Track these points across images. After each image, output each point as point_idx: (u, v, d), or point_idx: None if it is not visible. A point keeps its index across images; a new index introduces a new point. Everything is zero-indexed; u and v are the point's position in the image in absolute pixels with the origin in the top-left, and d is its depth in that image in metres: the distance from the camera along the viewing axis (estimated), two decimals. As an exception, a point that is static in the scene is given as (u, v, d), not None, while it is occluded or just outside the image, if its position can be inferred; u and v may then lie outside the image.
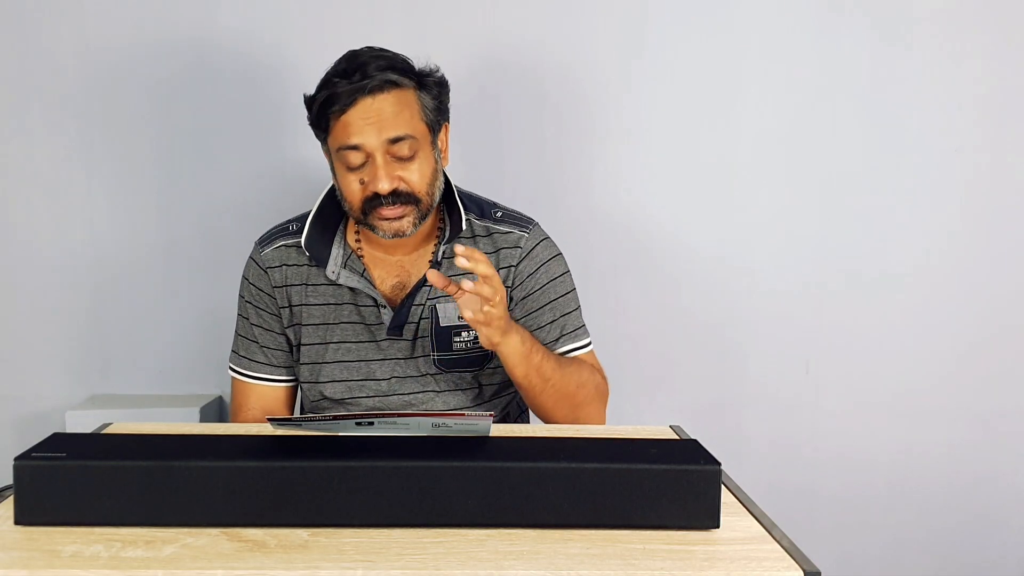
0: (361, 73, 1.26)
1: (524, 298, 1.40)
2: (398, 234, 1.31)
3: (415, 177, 1.30)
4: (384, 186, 1.27)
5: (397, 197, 1.29)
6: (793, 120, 1.90)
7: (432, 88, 1.33)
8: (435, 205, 1.35)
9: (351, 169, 1.29)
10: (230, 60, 1.82)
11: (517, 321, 1.39)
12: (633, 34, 1.87)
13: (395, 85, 1.27)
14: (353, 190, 1.30)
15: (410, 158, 1.29)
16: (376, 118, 1.26)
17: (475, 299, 1.18)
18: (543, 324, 1.40)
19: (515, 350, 1.27)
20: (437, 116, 1.34)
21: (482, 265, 1.14)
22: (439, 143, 1.36)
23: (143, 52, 1.82)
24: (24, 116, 1.83)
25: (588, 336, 1.45)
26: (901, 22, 1.88)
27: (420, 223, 1.33)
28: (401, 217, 1.30)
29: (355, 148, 1.27)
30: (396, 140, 1.27)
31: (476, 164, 1.79)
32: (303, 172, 1.84)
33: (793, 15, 1.87)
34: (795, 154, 1.91)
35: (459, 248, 1.14)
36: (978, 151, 1.92)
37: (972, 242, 1.94)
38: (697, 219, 1.92)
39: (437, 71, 1.35)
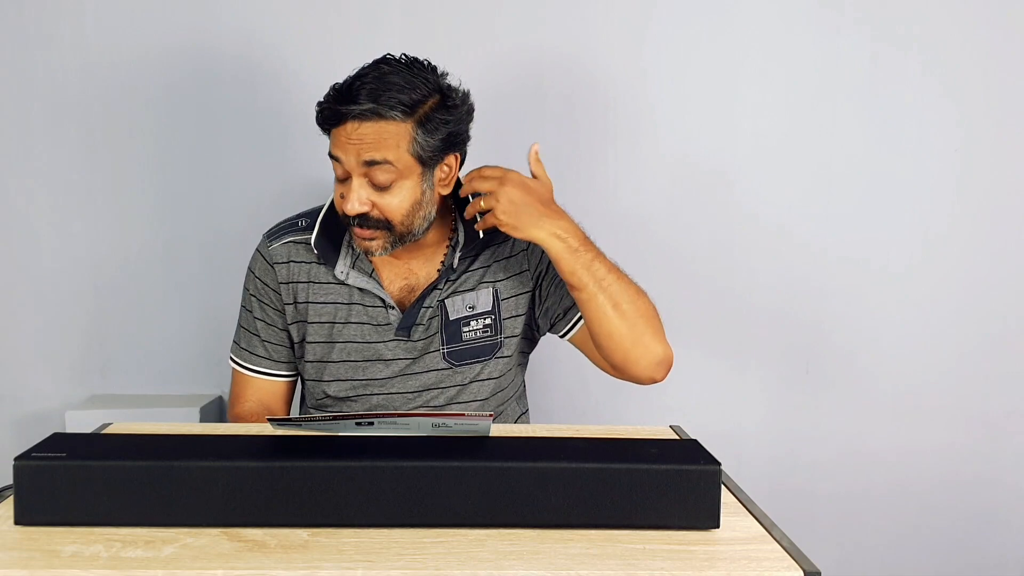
0: (359, 95, 1.24)
1: (545, 273, 1.41)
2: (367, 252, 1.32)
3: (392, 204, 1.28)
4: (351, 207, 1.27)
5: (366, 221, 1.28)
6: (793, 120, 1.90)
7: (436, 126, 1.27)
8: (418, 232, 1.33)
9: (339, 180, 1.31)
10: (230, 64, 1.82)
11: (545, 301, 1.41)
12: (633, 35, 1.87)
13: (380, 117, 1.24)
14: (338, 200, 1.32)
15: (386, 187, 1.27)
16: (358, 140, 1.24)
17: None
18: (567, 291, 1.38)
19: (553, 241, 1.28)
20: (435, 152, 1.28)
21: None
22: (437, 173, 1.32)
23: (143, 55, 1.82)
24: (25, 118, 1.83)
25: None
26: (901, 22, 1.88)
27: (396, 246, 1.32)
28: (371, 239, 1.30)
29: (337, 160, 1.28)
30: (372, 164, 1.25)
31: (476, 165, 1.79)
32: (303, 174, 1.84)
33: (793, 15, 1.87)
34: (795, 154, 1.91)
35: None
36: (977, 150, 1.92)
37: (972, 241, 1.94)
38: (697, 219, 1.92)
39: (462, 99, 1.31)
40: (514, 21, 1.85)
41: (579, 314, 1.39)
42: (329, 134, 1.30)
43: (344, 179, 1.29)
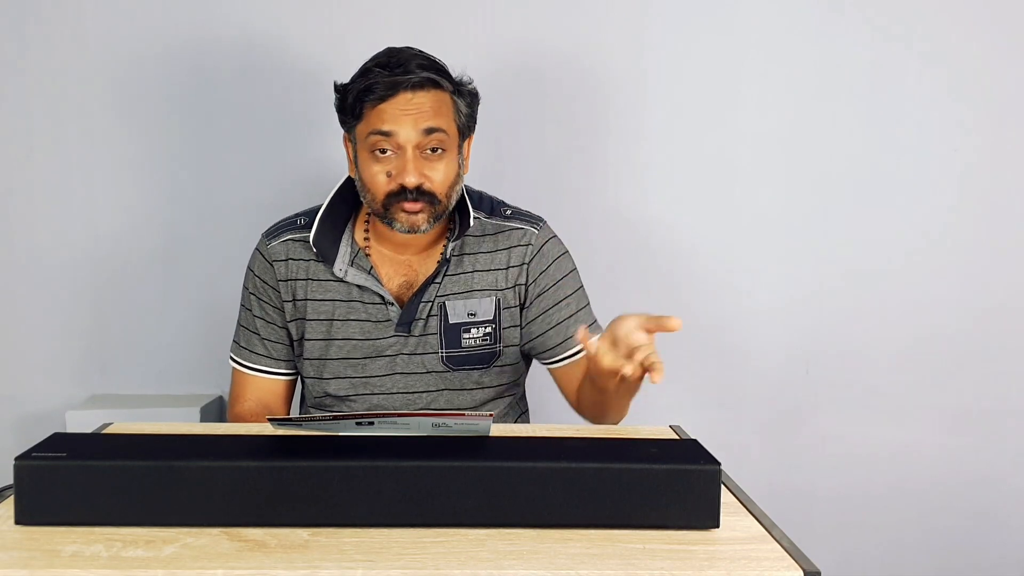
0: (404, 68, 1.28)
1: (539, 296, 1.42)
2: (414, 228, 1.32)
3: (439, 176, 1.31)
4: (412, 180, 1.28)
5: (421, 194, 1.30)
6: (793, 120, 1.90)
7: (466, 96, 1.35)
8: (450, 209, 1.36)
9: (378, 160, 1.30)
10: (231, 61, 1.82)
11: (533, 320, 1.42)
12: (634, 34, 1.87)
13: (435, 85, 1.30)
14: (378, 182, 1.31)
15: (438, 156, 1.31)
16: (415, 111, 1.28)
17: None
18: (561, 320, 1.42)
19: None
20: (467, 123, 1.36)
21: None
22: (464, 151, 1.38)
23: (143, 52, 1.82)
24: (24, 116, 1.83)
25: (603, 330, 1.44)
26: (901, 22, 1.88)
27: (434, 223, 1.34)
28: (420, 212, 1.31)
29: (387, 135, 1.28)
30: (430, 131, 1.28)
31: (477, 162, 1.79)
32: (304, 173, 1.84)
33: (793, 15, 1.87)
34: (795, 154, 1.91)
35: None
36: (976, 150, 1.92)
37: (971, 242, 1.94)
38: (697, 219, 1.92)
39: (471, 83, 1.37)
40: (515, 20, 1.85)
41: (565, 353, 1.43)
42: (361, 116, 1.30)
43: (385, 157, 1.30)
